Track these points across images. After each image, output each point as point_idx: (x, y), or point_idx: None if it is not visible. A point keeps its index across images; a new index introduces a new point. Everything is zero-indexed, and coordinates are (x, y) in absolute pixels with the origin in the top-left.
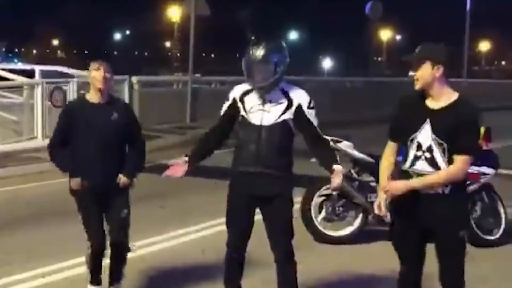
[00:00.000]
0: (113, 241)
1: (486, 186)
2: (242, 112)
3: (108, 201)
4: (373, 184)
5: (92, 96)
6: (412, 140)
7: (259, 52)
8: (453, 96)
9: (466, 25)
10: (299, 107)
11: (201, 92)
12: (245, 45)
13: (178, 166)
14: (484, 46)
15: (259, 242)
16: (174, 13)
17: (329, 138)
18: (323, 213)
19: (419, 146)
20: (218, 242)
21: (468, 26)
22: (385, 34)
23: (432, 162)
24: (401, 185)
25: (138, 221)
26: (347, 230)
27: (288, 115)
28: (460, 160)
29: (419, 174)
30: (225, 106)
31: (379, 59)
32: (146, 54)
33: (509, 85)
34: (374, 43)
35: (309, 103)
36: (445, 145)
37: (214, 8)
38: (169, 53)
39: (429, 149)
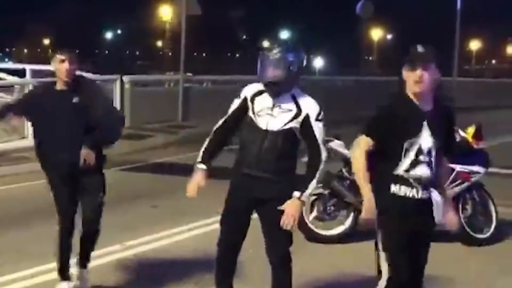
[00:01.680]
0: (84, 220)
1: (477, 185)
2: (250, 113)
3: (82, 183)
4: None
5: (59, 83)
6: (411, 145)
7: (275, 49)
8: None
9: (456, 24)
10: (307, 117)
11: (192, 91)
12: (237, 44)
13: (198, 179)
14: (475, 45)
15: (254, 243)
16: (165, 12)
17: None
18: (314, 212)
19: (419, 151)
20: (211, 241)
21: (459, 25)
22: (376, 34)
23: (430, 165)
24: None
25: (130, 220)
26: (338, 229)
27: (295, 123)
28: (446, 162)
29: (420, 179)
30: (235, 104)
31: (370, 58)
32: (137, 53)
33: (498, 84)
34: (365, 42)
35: (318, 114)
36: (438, 148)
37: (205, 8)
38: (161, 52)
39: (429, 153)
